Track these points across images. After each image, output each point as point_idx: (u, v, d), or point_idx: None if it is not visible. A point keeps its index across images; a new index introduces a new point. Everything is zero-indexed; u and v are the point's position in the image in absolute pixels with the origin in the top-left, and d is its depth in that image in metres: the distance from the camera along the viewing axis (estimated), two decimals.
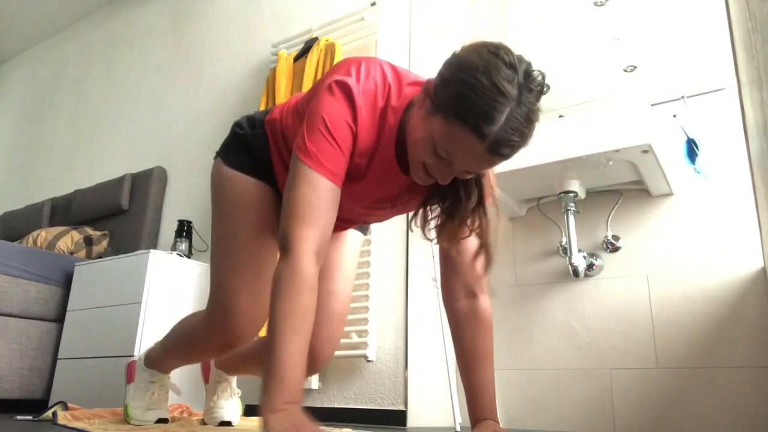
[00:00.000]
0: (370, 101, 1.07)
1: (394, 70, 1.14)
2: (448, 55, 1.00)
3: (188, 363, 1.58)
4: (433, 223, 1.14)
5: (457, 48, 0.99)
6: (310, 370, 1.31)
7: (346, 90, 1.05)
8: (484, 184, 1.10)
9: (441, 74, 0.98)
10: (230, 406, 1.62)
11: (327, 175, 1.02)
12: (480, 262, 1.11)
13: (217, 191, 1.35)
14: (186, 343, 1.43)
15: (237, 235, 1.28)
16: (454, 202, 1.10)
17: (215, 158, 1.38)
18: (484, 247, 1.10)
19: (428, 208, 1.16)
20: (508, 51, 0.94)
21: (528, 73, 0.93)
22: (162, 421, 1.53)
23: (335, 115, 1.04)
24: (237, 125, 1.35)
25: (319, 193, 1.01)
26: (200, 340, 1.36)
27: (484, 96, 0.89)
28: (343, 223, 1.30)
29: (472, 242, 1.12)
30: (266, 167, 1.29)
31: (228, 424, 1.60)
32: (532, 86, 0.93)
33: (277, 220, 1.25)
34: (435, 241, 1.15)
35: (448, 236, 1.11)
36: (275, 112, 1.30)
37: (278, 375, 0.90)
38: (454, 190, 1.09)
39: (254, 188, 1.29)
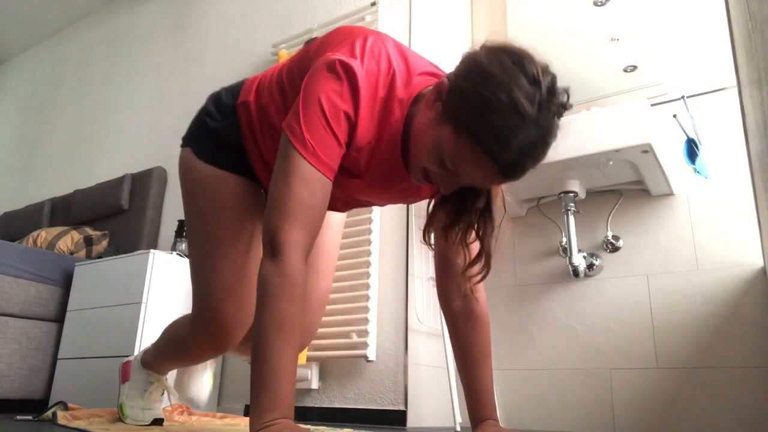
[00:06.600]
0: (370, 88, 0.97)
1: (403, 54, 1.03)
2: (463, 52, 0.91)
3: (184, 366, 1.55)
4: (439, 225, 1.07)
5: (478, 48, 0.91)
6: None
7: (350, 74, 0.94)
8: (492, 187, 1.04)
9: (457, 80, 0.90)
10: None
11: (322, 170, 0.93)
12: (477, 269, 1.05)
13: (189, 186, 1.25)
14: (178, 348, 1.39)
15: (215, 235, 1.20)
16: (461, 204, 1.04)
17: (183, 146, 1.26)
18: (484, 253, 1.04)
19: (436, 209, 1.09)
20: (532, 61, 0.86)
21: (551, 90, 0.86)
22: (157, 421, 1.52)
23: (335, 102, 0.93)
24: (206, 113, 1.23)
25: (312, 189, 0.92)
26: (192, 347, 1.32)
27: (501, 116, 0.83)
28: (341, 204, 1.24)
29: (471, 246, 1.08)
30: (242, 157, 1.19)
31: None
32: (552, 105, 0.86)
33: (259, 211, 1.17)
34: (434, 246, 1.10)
35: (454, 240, 1.05)
36: (248, 93, 1.17)
37: (269, 389, 0.84)
38: (462, 192, 1.03)
39: (232, 185, 1.20)
